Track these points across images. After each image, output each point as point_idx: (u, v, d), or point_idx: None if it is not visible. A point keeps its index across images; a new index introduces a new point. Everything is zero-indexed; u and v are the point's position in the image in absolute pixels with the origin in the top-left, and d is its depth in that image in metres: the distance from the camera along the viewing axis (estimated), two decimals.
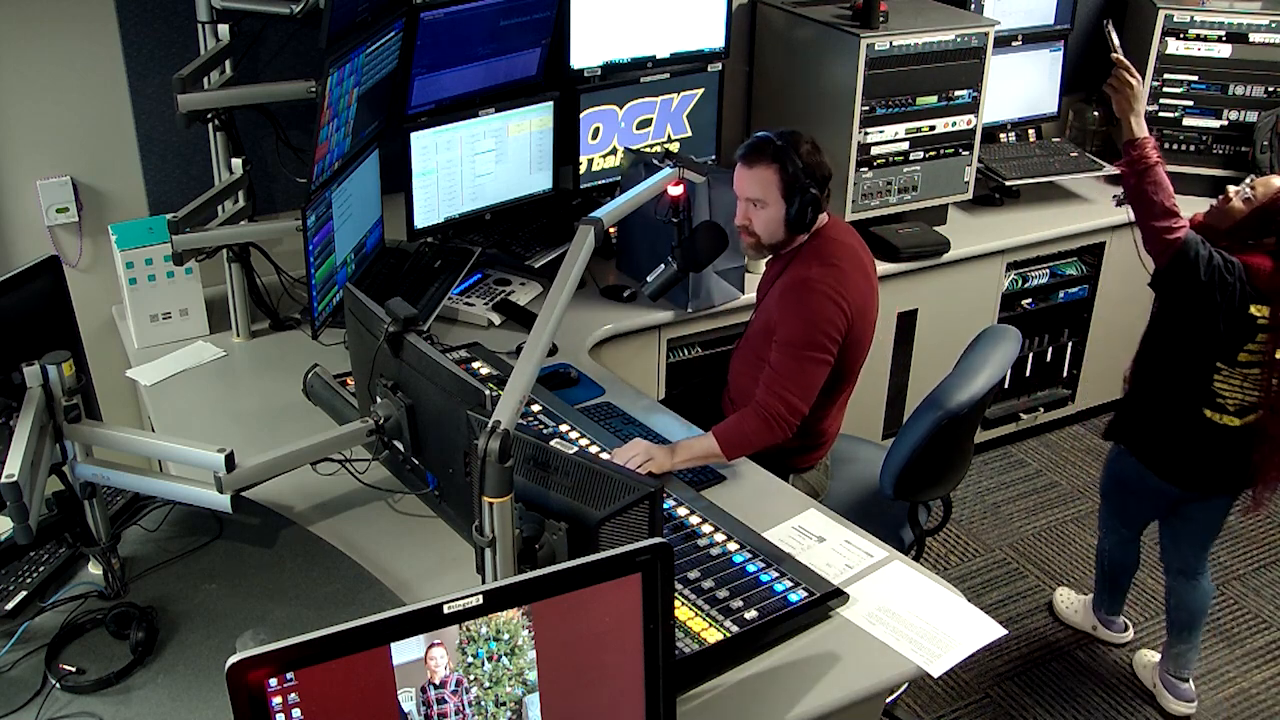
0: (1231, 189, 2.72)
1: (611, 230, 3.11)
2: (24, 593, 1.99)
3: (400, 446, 2.13)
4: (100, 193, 3.04)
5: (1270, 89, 4.08)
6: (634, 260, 3.29)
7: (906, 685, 3.02)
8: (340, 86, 2.61)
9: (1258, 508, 2.86)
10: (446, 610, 1.34)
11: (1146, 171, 2.61)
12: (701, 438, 2.46)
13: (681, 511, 2.25)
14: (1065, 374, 4.26)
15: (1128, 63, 2.68)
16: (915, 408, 2.57)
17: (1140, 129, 2.65)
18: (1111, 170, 4.11)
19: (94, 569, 2.04)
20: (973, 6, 3.92)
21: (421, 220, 3.19)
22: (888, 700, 2.94)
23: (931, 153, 3.67)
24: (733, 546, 2.15)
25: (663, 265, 2.60)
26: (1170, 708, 3.13)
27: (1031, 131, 4.30)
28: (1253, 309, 2.64)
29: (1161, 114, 4.21)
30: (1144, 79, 4.05)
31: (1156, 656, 3.23)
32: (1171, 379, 2.79)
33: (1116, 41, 2.78)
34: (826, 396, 2.61)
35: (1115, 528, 3.18)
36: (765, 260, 2.75)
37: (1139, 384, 2.89)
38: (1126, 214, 2.75)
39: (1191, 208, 2.79)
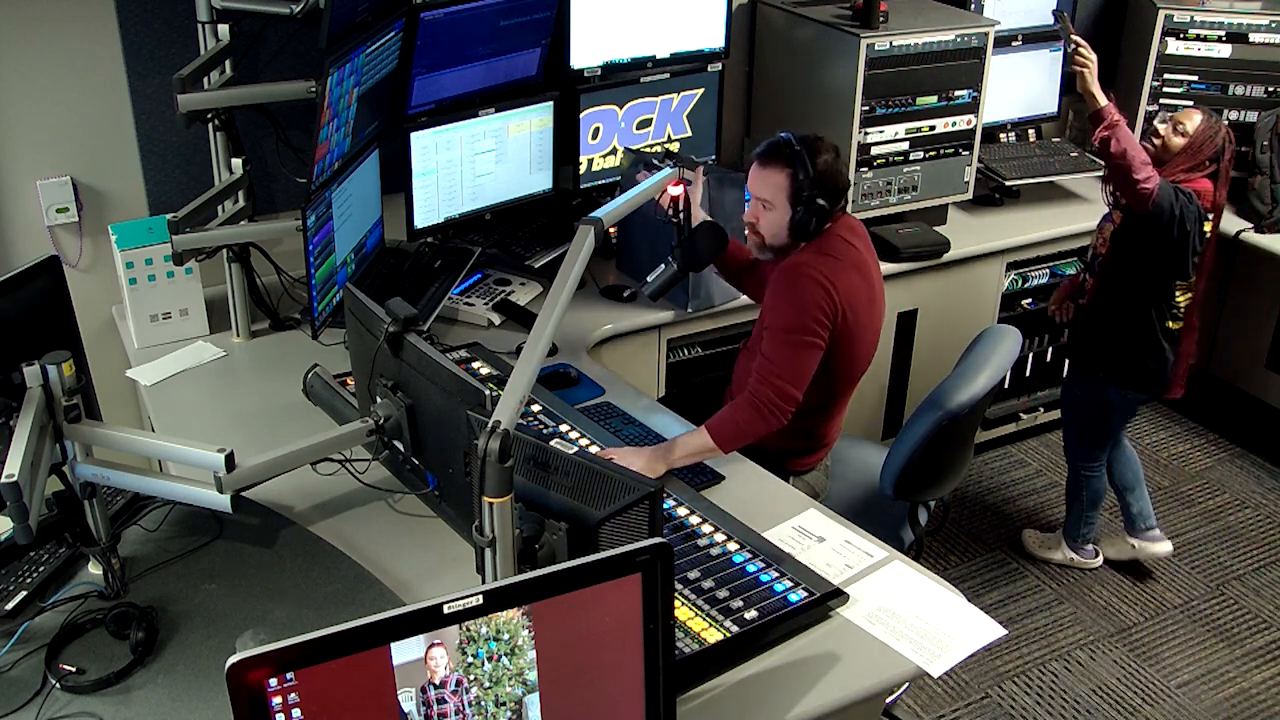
0: (1161, 127, 3.14)
1: (611, 230, 3.11)
2: (24, 593, 1.99)
3: (400, 446, 2.13)
4: (100, 193, 3.04)
5: (1270, 89, 4.08)
6: (634, 260, 3.29)
7: (907, 685, 3.02)
8: (340, 86, 2.61)
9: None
10: (446, 610, 1.34)
11: (1119, 130, 2.95)
12: (695, 433, 2.45)
13: (681, 511, 2.25)
14: (1065, 374, 4.26)
15: (1084, 42, 3.07)
16: (915, 408, 2.57)
17: (1103, 96, 3.02)
18: None
19: (94, 569, 2.04)
20: (973, 6, 3.92)
21: (421, 220, 3.19)
22: (887, 700, 2.95)
23: (931, 153, 3.67)
24: (733, 546, 2.15)
25: (663, 265, 2.60)
26: (1156, 550, 3.62)
27: (1031, 131, 4.30)
28: (1205, 226, 3.12)
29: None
30: (1144, 79, 4.11)
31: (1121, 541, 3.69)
32: (1142, 305, 3.19)
33: (1071, 26, 3.15)
34: (827, 398, 2.60)
35: (1095, 455, 3.47)
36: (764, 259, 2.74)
37: (1105, 318, 3.26)
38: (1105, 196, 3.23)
39: None
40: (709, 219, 2.69)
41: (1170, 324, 3.21)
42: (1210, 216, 3.12)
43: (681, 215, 2.52)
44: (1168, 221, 3.01)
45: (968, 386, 2.52)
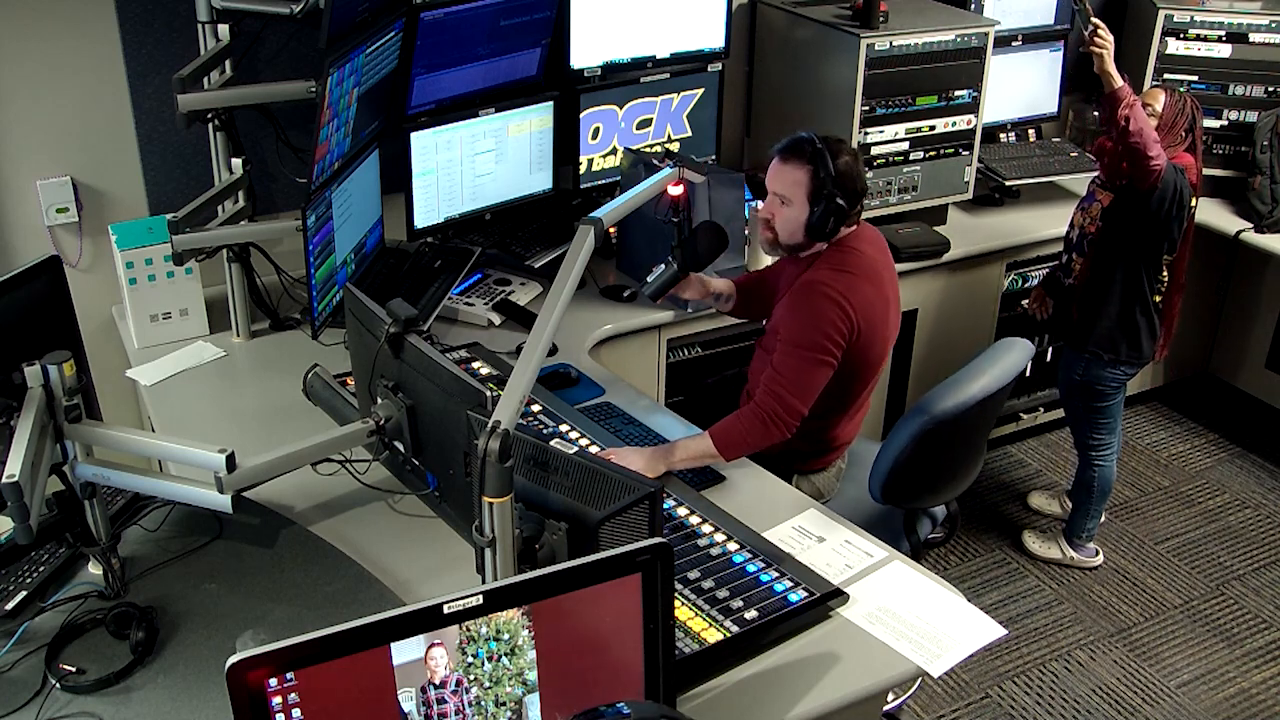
0: None
1: (611, 230, 3.11)
2: (24, 593, 1.99)
3: (400, 447, 2.13)
4: (100, 193, 3.04)
5: (1270, 89, 4.08)
6: (634, 260, 3.29)
7: (910, 693, 3.02)
8: (340, 86, 2.61)
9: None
10: (446, 610, 1.34)
11: (1135, 109, 3.01)
12: (697, 438, 2.45)
13: (681, 511, 2.25)
14: (1061, 363, 4.25)
15: (1102, 24, 3.09)
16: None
17: (1119, 77, 3.06)
18: None
19: (94, 569, 2.04)
20: (973, 6, 3.92)
21: (421, 220, 3.19)
22: (890, 708, 2.95)
23: (931, 153, 3.67)
24: (733, 546, 2.15)
25: (662, 265, 2.59)
26: (1088, 561, 3.73)
27: (1031, 131, 4.30)
28: (1192, 200, 3.24)
29: None
30: (1144, 79, 4.11)
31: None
32: (1136, 280, 3.28)
33: (1090, 9, 3.13)
34: (838, 403, 2.60)
35: (1107, 441, 3.52)
36: (777, 259, 2.72)
37: (1101, 294, 3.32)
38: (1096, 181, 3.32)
39: None
40: (709, 219, 2.68)
41: (1157, 297, 3.32)
42: (1195, 190, 3.25)
43: (681, 215, 2.52)
44: (1170, 198, 3.13)
45: (957, 393, 2.48)
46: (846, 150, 2.50)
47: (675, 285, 2.63)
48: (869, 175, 3.56)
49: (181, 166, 3.09)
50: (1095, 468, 3.56)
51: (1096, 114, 4.36)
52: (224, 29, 2.76)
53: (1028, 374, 4.16)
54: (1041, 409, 4.25)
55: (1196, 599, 3.58)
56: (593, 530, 1.69)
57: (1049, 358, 4.19)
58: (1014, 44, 4.07)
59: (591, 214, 2.10)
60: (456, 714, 1.40)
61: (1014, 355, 2.65)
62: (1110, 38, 3.07)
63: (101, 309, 3.10)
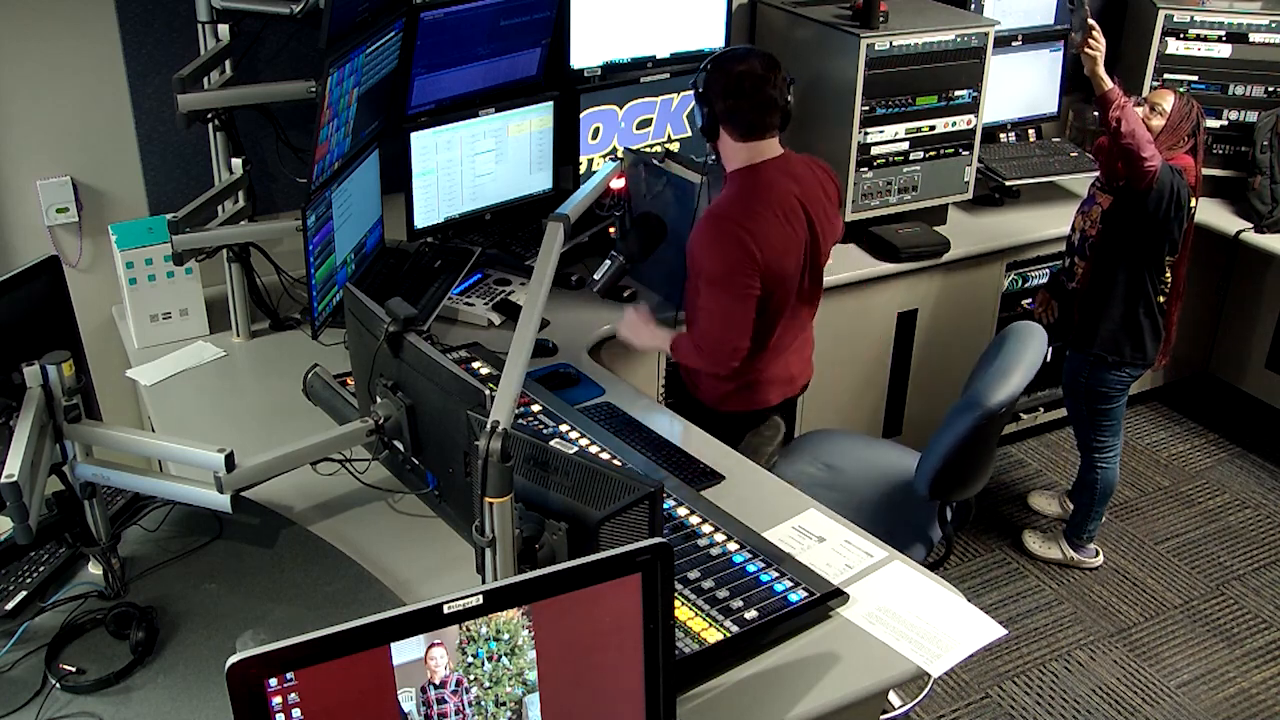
0: (1139, 110, 3.21)
1: (611, 231, 3.11)
2: (24, 593, 1.99)
3: (400, 446, 2.13)
4: (100, 193, 3.04)
5: (1270, 89, 4.08)
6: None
7: (920, 700, 3.02)
8: (340, 86, 2.61)
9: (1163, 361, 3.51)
10: (446, 610, 1.34)
11: (1127, 110, 3.03)
12: (671, 336, 2.65)
13: (681, 511, 2.25)
14: (1065, 364, 4.25)
15: (1098, 26, 3.12)
16: (951, 408, 2.57)
17: (1109, 80, 3.09)
18: None
19: (94, 569, 2.04)
20: (973, 6, 3.92)
21: (421, 220, 3.19)
22: (897, 714, 2.94)
23: (931, 153, 3.67)
24: (733, 546, 2.15)
25: (607, 261, 2.62)
26: (1088, 561, 3.73)
27: (1031, 131, 4.30)
28: (1192, 201, 3.25)
29: None
30: (1144, 79, 4.12)
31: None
32: (1139, 282, 3.28)
33: (1088, 10, 3.15)
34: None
35: (1110, 443, 3.53)
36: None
37: (1103, 297, 3.33)
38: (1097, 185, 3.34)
39: None
40: (647, 210, 2.69)
41: (1160, 298, 3.33)
42: (1194, 191, 3.26)
43: (623, 208, 2.54)
44: (1169, 198, 3.13)
45: (1004, 385, 2.52)
46: (751, 60, 2.50)
47: (622, 277, 2.68)
48: (869, 175, 3.56)
49: (181, 166, 3.09)
50: (1098, 469, 3.55)
51: (1095, 114, 4.37)
52: (224, 29, 2.76)
53: None
54: (1041, 409, 4.25)
55: (1196, 599, 3.58)
56: (593, 530, 1.69)
57: (1048, 358, 4.18)
58: (1014, 44, 4.07)
59: (558, 210, 2.10)
60: (456, 714, 1.40)
61: (1036, 343, 2.71)
62: (1103, 42, 3.10)
63: (101, 309, 3.09)
